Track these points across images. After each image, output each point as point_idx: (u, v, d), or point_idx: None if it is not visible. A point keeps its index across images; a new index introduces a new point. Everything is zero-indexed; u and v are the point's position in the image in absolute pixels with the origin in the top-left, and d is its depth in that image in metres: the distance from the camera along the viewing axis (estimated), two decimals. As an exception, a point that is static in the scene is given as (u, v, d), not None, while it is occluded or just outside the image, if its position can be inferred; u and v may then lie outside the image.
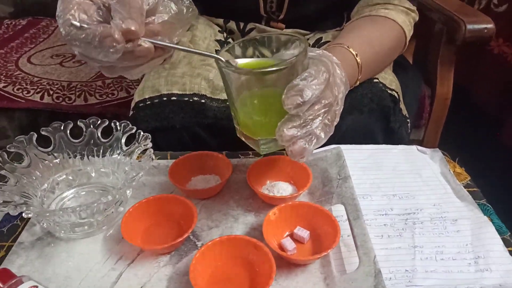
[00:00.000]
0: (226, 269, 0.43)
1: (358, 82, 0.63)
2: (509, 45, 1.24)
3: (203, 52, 0.44)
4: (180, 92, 0.67)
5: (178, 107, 0.66)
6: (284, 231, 0.48)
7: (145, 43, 0.41)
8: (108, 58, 0.40)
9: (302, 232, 0.47)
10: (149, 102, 0.67)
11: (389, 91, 0.68)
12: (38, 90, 0.95)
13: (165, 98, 0.66)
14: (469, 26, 0.84)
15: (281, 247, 0.45)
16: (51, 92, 0.95)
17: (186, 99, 0.66)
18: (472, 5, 1.32)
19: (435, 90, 0.99)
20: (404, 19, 0.68)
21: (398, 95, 0.70)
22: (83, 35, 0.39)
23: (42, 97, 0.94)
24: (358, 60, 0.60)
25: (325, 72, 0.43)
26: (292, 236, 0.47)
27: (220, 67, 0.43)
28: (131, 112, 0.70)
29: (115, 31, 0.39)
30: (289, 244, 0.45)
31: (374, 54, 0.64)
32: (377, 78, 0.68)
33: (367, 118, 0.66)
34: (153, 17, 0.44)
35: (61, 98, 0.94)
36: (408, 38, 0.69)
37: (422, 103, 0.99)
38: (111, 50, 0.39)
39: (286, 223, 0.48)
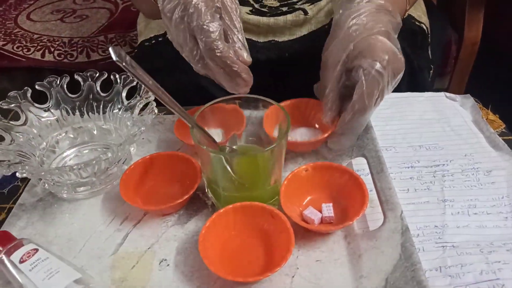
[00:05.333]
0: (240, 239, 0.39)
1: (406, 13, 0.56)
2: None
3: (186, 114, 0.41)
4: None
5: None
6: (304, 196, 0.43)
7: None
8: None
9: (329, 211, 0.41)
10: (154, 41, 0.63)
11: (417, 23, 0.62)
12: (39, 47, 0.91)
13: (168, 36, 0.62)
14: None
15: (304, 219, 0.41)
16: (52, 49, 0.90)
17: None
18: None
19: (462, 35, 0.91)
20: None
21: (427, 30, 0.64)
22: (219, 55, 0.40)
23: (43, 55, 0.90)
24: None
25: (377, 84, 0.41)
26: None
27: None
28: (134, 52, 0.67)
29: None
30: (314, 215, 0.41)
31: None
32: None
33: None
34: None
35: (62, 56, 0.89)
36: None
37: (447, 49, 0.91)
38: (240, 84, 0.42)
39: (308, 186, 0.43)
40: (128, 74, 0.38)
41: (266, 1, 0.75)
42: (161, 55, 0.63)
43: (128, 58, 0.35)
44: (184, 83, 0.62)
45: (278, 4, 0.77)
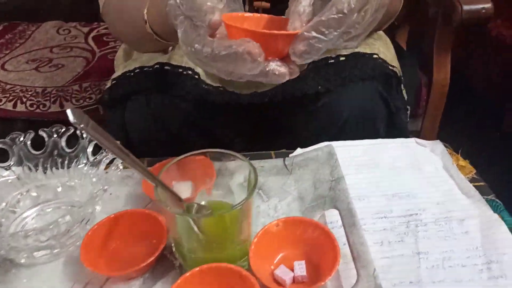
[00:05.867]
0: None
1: None
2: (509, 26, 1.18)
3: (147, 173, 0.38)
4: (175, 63, 0.62)
5: (167, 77, 0.61)
6: (275, 253, 0.42)
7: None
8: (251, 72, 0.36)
9: (302, 269, 0.40)
10: (138, 70, 0.63)
11: (390, 67, 0.64)
12: (11, 98, 0.90)
13: (157, 66, 0.62)
14: (466, 7, 0.79)
15: (276, 279, 0.39)
16: (24, 100, 0.90)
17: (181, 70, 0.61)
18: (466, -15, 1.26)
19: (432, 78, 0.94)
20: None
21: (400, 73, 0.66)
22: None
23: (15, 105, 0.88)
24: None
25: None
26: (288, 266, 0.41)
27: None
28: (109, 84, 0.66)
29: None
30: (285, 275, 0.39)
31: None
32: (377, 54, 0.63)
33: (369, 92, 0.61)
34: None
35: (35, 106, 0.88)
36: None
37: (418, 91, 0.93)
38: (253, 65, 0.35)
39: (279, 242, 0.42)
40: (88, 136, 0.36)
41: None
42: (145, 78, 0.62)
43: (87, 119, 0.34)
44: (166, 104, 0.62)
45: None
